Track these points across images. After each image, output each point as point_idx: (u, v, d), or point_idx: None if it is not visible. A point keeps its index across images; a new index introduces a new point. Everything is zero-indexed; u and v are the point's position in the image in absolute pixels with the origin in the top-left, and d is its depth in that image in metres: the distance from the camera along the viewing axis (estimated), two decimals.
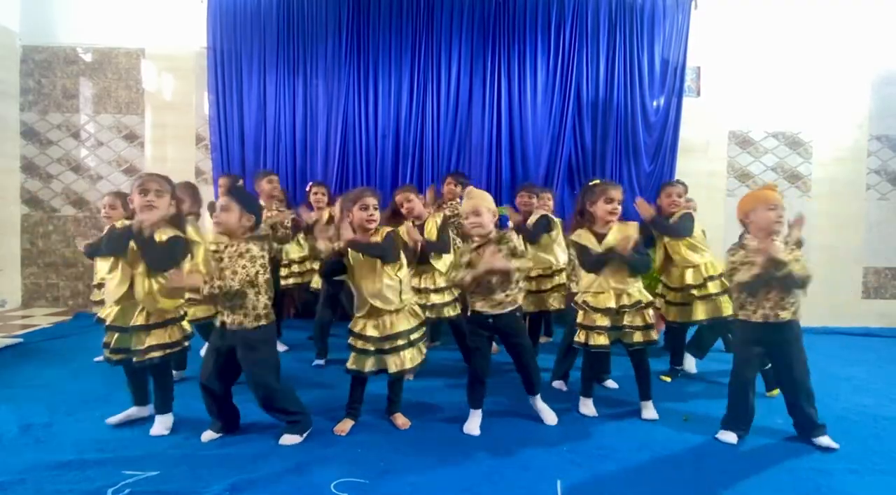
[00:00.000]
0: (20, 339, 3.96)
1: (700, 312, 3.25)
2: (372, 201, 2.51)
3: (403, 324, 2.53)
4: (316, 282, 3.94)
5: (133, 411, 2.57)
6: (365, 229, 2.52)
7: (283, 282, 3.99)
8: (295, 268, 4.09)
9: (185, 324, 2.52)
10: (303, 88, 5.01)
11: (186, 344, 2.53)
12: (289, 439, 2.37)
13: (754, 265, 2.38)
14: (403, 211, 3.28)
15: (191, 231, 2.73)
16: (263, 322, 2.34)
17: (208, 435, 2.40)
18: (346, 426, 2.52)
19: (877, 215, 5.33)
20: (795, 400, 2.50)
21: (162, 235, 2.33)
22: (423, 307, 3.18)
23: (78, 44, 5.18)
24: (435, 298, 3.25)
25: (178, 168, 5.17)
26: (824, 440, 2.46)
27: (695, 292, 3.25)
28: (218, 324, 2.38)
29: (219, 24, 4.99)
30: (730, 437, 2.50)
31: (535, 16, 4.99)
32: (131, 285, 2.35)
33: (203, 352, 3.65)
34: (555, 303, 3.71)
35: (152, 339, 2.37)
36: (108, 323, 2.41)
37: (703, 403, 3.01)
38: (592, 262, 2.69)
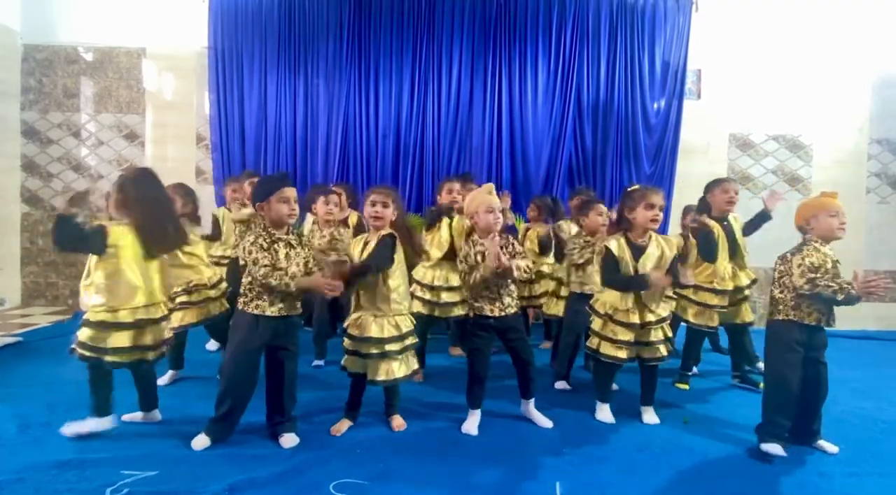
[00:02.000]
0: (19, 338, 3.96)
1: (748, 315, 3.38)
2: (379, 198, 2.46)
3: (389, 332, 2.45)
4: None
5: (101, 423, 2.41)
6: (372, 226, 2.52)
7: None
8: None
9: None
10: (304, 88, 5.01)
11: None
12: (291, 439, 2.37)
13: (841, 282, 2.29)
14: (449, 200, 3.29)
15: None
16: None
17: (203, 442, 2.32)
18: (342, 426, 2.52)
19: (877, 218, 5.33)
20: (815, 409, 2.48)
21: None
22: (434, 304, 3.20)
23: (79, 43, 5.18)
24: (446, 296, 3.21)
25: (179, 168, 5.18)
26: (823, 443, 2.46)
27: (746, 293, 3.37)
28: (277, 314, 2.30)
29: (220, 24, 4.99)
30: (776, 449, 2.34)
31: (535, 18, 5.00)
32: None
33: (211, 347, 3.69)
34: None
35: (167, 333, 2.47)
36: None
37: (702, 405, 3.01)
38: (617, 283, 2.59)
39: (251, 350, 2.31)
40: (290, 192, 2.32)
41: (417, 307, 3.21)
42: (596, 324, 2.71)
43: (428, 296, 3.22)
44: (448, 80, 5.00)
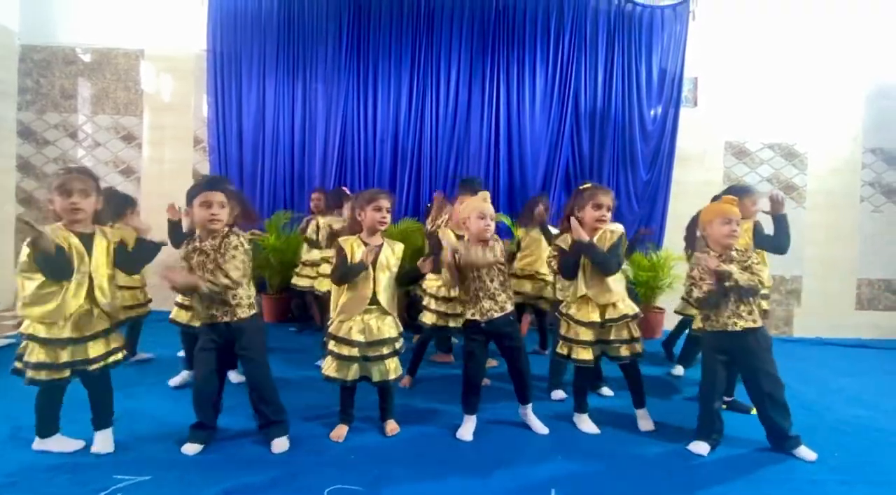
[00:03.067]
0: (12, 340, 3.93)
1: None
2: (386, 203, 2.50)
3: (389, 332, 2.49)
4: (324, 286, 3.90)
5: (62, 443, 2.30)
6: (375, 230, 2.53)
7: (296, 283, 4.29)
8: (308, 270, 4.21)
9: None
10: (302, 92, 5.02)
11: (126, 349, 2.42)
12: (280, 445, 2.36)
13: (705, 281, 2.43)
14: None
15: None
16: (255, 310, 2.41)
17: (192, 448, 2.30)
18: (341, 432, 2.51)
19: (871, 227, 5.36)
20: (763, 411, 2.51)
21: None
22: (448, 316, 3.19)
23: (77, 44, 5.17)
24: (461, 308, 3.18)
25: (176, 169, 5.18)
26: (802, 451, 2.46)
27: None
28: (207, 321, 2.33)
29: (219, 27, 5.00)
30: (701, 448, 2.50)
31: (534, 24, 5.02)
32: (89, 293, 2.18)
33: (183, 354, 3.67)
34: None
35: (115, 342, 2.29)
36: (63, 336, 2.14)
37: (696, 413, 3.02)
38: (568, 265, 2.60)
39: (203, 352, 2.35)
40: (212, 196, 2.28)
41: (431, 319, 3.23)
42: (562, 327, 2.70)
43: (443, 308, 3.22)
44: (446, 84, 5.01)
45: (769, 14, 5.26)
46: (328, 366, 2.48)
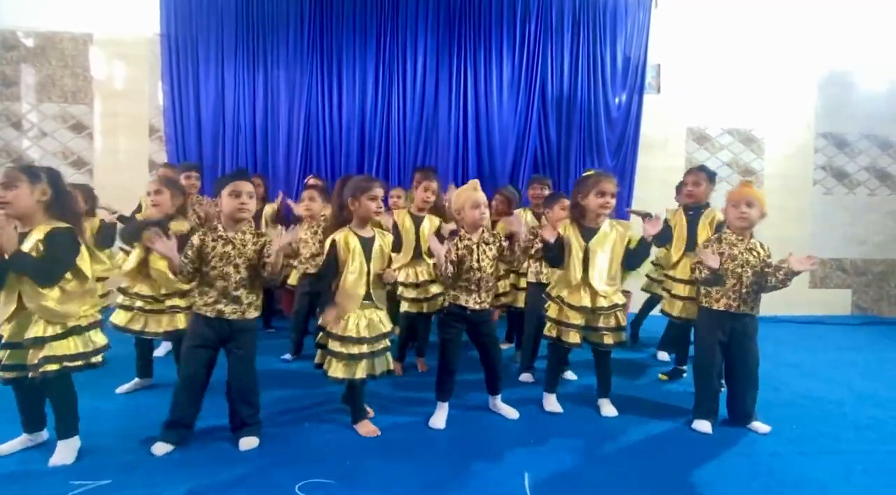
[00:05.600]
0: None
1: None
2: (381, 192, 2.46)
3: (387, 325, 2.49)
4: (292, 279, 3.82)
5: (24, 439, 2.23)
6: (367, 221, 2.48)
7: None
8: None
9: (94, 335, 2.16)
10: (263, 78, 4.86)
11: (96, 358, 2.15)
12: (249, 443, 2.29)
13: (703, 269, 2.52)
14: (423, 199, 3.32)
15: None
16: (256, 312, 2.36)
17: (163, 448, 2.22)
18: (370, 426, 2.49)
19: (822, 209, 5.61)
20: (744, 392, 2.59)
21: (39, 233, 2.00)
22: (423, 301, 3.20)
23: (18, 27, 4.86)
24: (434, 289, 3.22)
25: (131, 160, 4.97)
26: (757, 425, 2.57)
27: None
28: (211, 315, 2.24)
29: (173, 9, 4.77)
30: (704, 426, 2.55)
31: (500, 11, 4.99)
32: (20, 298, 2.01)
33: (161, 353, 3.54)
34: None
35: (48, 351, 2.03)
36: (3, 340, 2.07)
37: (665, 395, 3.10)
38: (549, 258, 2.71)
39: (192, 348, 2.28)
40: (242, 186, 2.29)
41: (405, 307, 3.24)
42: (552, 310, 2.72)
43: (414, 294, 3.22)
44: (413, 71, 4.94)
45: (728, 3, 5.37)
46: (334, 368, 2.36)
